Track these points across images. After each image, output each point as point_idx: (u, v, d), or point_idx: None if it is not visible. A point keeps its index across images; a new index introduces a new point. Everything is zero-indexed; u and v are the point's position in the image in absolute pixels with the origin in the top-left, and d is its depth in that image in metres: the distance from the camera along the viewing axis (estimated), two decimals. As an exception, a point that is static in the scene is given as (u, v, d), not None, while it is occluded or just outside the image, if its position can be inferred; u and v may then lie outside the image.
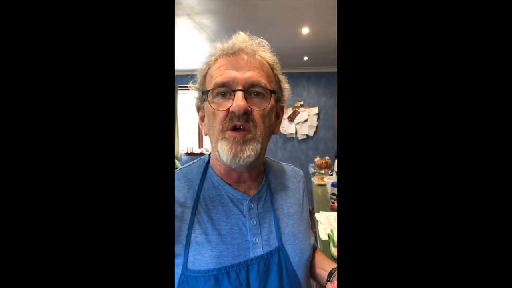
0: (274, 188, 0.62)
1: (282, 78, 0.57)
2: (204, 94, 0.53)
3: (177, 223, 0.52)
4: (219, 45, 0.53)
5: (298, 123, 4.10)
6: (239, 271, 0.50)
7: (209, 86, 0.52)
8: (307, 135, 4.11)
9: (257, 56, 0.52)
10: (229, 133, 0.49)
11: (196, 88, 0.56)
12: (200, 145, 4.52)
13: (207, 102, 0.52)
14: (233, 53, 0.51)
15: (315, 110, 4.07)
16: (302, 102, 4.11)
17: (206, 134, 0.55)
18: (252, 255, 0.52)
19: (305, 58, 3.54)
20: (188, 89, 0.59)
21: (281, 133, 4.15)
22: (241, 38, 0.53)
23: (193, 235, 0.51)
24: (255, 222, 0.55)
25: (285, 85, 0.57)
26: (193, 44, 3.00)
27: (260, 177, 0.60)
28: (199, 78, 0.56)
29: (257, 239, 0.54)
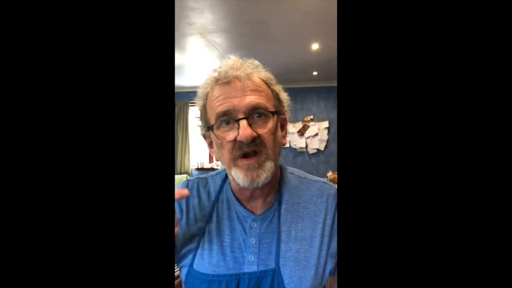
0: (286, 208, 0.58)
1: (279, 89, 0.56)
2: (209, 129, 0.53)
3: (198, 224, 0.58)
4: (212, 74, 0.53)
5: (308, 137, 4.08)
6: (230, 282, 0.53)
7: (211, 116, 0.52)
8: (317, 149, 4.08)
9: (252, 78, 0.52)
10: (241, 161, 0.50)
11: (199, 118, 0.57)
12: (211, 160, 4.54)
13: (213, 133, 0.52)
14: (228, 82, 0.51)
15: (325, 124, 4.05)
16: (312, 116, 4.11)
17: (218, 160, 0.56)
18: (245, 270, 0.54)
19: (315, 73, 3.57)
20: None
21: (291, 147, 4.13)
22: (232, 63, 0.53)
23: (202, 240, 0.57)
24: (254, 241, 0.55)
25: (283, 95, 0.56)
26: (205, 62, 3.09)
27: (272, 195, 0.59)
28: (200, 108, 0.56)
29: (253, 257, 0.54)
